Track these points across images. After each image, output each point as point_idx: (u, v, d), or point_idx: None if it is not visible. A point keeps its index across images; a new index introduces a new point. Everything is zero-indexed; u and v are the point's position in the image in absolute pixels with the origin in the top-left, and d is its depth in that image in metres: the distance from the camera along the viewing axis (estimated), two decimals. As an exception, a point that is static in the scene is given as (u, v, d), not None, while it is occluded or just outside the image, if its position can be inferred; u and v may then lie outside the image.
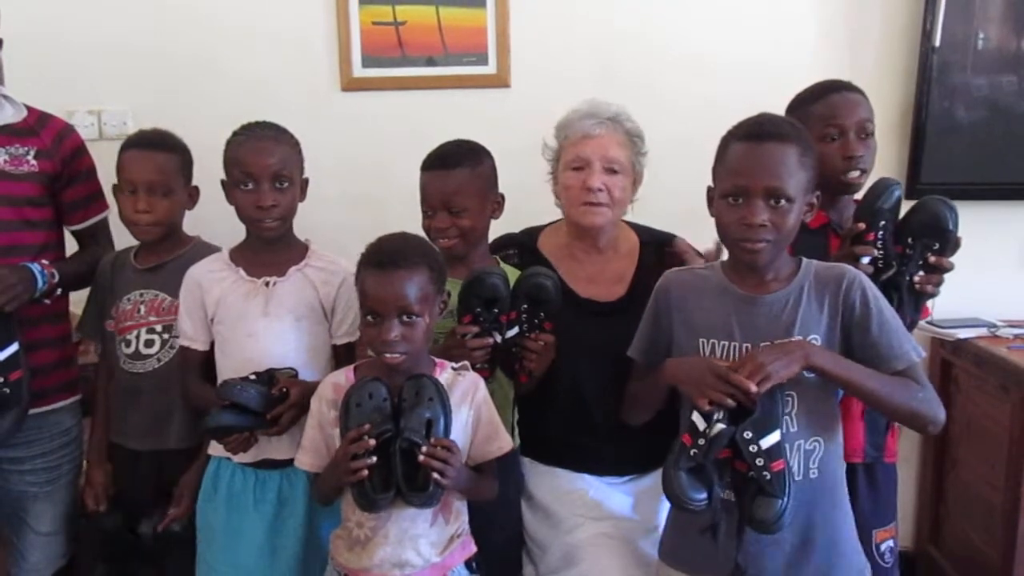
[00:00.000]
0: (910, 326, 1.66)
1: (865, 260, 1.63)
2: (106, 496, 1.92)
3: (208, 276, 1.80)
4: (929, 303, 1.88)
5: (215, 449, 1.79)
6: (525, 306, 1.70)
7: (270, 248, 1.80)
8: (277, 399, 1.67)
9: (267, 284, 1.77)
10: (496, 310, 1.68)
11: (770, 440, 1.39)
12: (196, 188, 1.92)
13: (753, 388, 1.37)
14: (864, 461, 1.80)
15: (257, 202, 1.73)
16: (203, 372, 1.81)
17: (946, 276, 1.69)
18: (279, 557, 1.76)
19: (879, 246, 1.65)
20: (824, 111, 1.77)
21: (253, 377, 1.68)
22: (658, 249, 1.97)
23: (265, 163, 1.73)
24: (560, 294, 1.73)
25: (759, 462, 1.37)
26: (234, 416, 1.66)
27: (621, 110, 1.93)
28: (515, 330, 1.70)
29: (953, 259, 1.69)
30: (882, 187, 1.67)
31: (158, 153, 1.85)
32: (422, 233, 1.78)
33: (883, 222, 1.65)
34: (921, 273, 1.66)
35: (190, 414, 1.85)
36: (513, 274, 1.78)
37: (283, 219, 1.77)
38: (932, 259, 1.65)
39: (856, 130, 1.76)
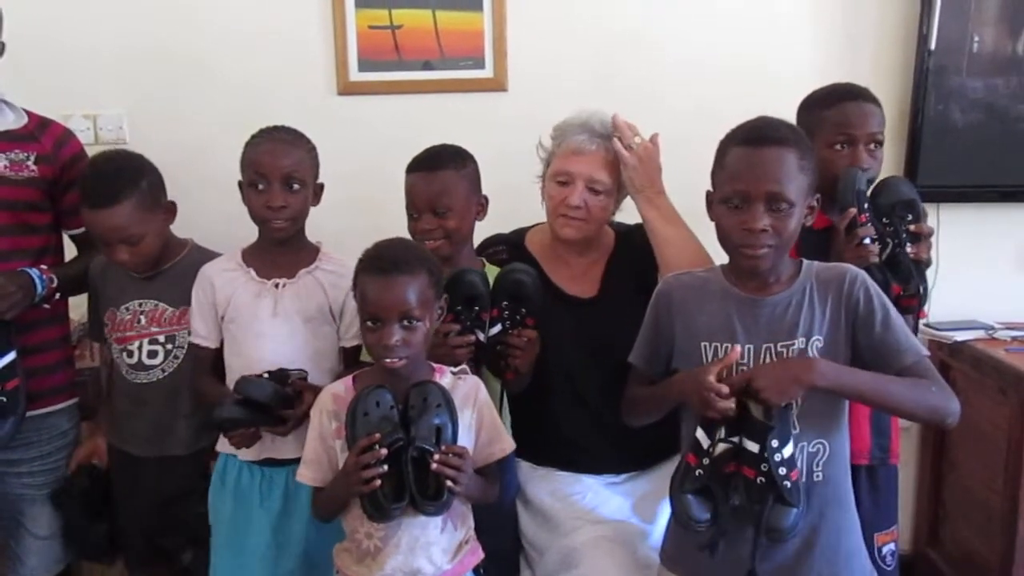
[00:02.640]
0: (925, 294, 1.71)
1: (868, 240, 1.66)
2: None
3: (220, 275, 1.81)
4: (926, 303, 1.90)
5: (223, 445, 1.80)
6: (506, 303, 1.71)
7: (281, 250, 1.82)
8: (291, 397, 1.69)
9: (276, 286, 1.79)
10: (476, 308, 1.70)
11: (788, 450, 1.39)
12: (172, 204, 1.88)
13: (731, 405, 1.38)
14: (870, 463, 1.80)
15: (267, 202, 1.75)
16: (213, 369, 1.83)
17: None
18: (283, 555, 1.77)
19: (877, 229, 1.70)
20: (837, 118, 1.77)
21: (267, 376, 1.70)
22: (627, 235, 2.00)
23: (277, 164, 1.75)
24: (540, 289, 1.74)
25: (782, 471, 1.37)
26: (244, 411, 1.67)
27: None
28: (498, 327, 1.71)
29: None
30: (852, 174, 1.71)
31: (116, 208, 1.76)
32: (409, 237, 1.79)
33: (866, 204, 1.70)
34: (910, 244, 1.71)
35: (194, 420, 1.86)
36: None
37: (293, 221, 1.78)
38: (912, 228, 1.71)
39: (866, 141, 1.77)
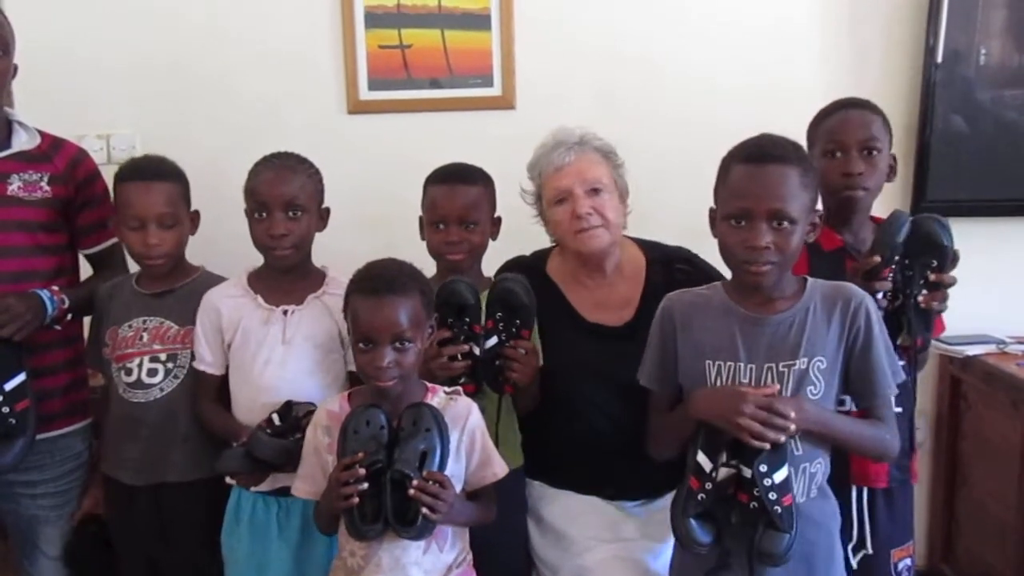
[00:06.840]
0: (924, 345, 1.69)
1: (880, 295, 1.62)
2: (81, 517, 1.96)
3: (225, 302, 1.80)
4: (944, 317, 1.88)
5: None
6: (500, 314, 1.70)
7: (287, 276, 1.81)
8: (296, 448, 1.65)
9: (285, 313, 1.78)
10: (467, 319, 1.69)
11: (781, 475, 1.40)
12: (196, 212, 1.90)
13: (793, 427, 1.39)
14: (888, 486, 1.79)
15: (269, 231, 1.75)
16: (218, 395, 1.81)
17: (952, 292, 1.69)
18: None
19: (893, 280, 1.64)
20: (830, 126, 1.79)
21: (277, 420, 1.67)
22: (666, 267, 1.95)
23: (277, 192, 1.75)
24: (532, 296, 1.72)
25: (772, 496, 1.38)
26: (246, 462, 1.66)
27: (585, 131, 1.91)
28: (494, 340, 1.69)
29: (961, 275, 1.70)
30: (899, 221, 1.66)
31: (161, 184, 1.81)
32: (423, 253, 1.79)
33: (897, 257, 1.65)
34: (925, 292, 1.66)
35: (190, 446, 1.81)
36: None
37: (295, 248, 1.78)
38: (932, 277, 1.66)
39: (858, 147, 1.76)
